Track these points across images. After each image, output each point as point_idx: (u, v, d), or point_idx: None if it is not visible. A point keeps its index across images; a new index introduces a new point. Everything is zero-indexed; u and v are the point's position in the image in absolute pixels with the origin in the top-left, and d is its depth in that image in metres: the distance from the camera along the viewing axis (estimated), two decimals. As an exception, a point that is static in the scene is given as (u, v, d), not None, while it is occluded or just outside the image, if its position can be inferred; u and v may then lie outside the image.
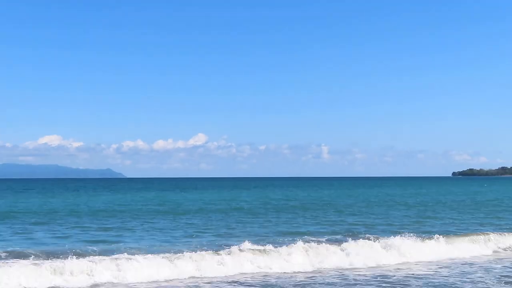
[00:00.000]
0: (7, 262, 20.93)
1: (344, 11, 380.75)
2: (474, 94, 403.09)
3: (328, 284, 19.00)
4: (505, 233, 31.03)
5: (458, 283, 19.00)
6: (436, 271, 21.53)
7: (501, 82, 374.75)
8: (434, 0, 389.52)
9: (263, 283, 19.08)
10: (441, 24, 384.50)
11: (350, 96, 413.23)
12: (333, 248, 24.68)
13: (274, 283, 19.07)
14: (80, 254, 22.96)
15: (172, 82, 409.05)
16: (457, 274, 20.90)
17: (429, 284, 18.86)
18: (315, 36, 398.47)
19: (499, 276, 20.32)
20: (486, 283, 18.85)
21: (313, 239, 28.72)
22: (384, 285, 18.72)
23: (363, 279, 19.77)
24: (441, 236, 27.65)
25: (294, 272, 21.14)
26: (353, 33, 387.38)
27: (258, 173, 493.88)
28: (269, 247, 24.22)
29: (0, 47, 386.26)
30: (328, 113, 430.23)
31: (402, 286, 18.59)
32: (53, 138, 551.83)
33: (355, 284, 18.87)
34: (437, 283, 18.93)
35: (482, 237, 28.89)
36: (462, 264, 23.34)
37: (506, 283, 18.59)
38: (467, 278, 20.01)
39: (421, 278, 19.98)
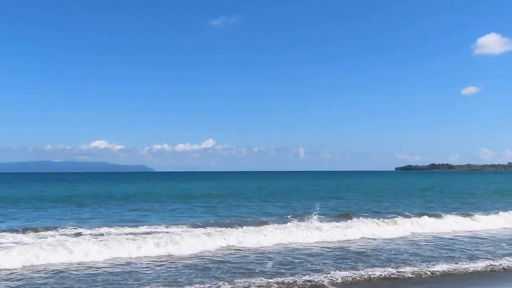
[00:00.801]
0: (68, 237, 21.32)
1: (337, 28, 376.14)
2: (408, 106, 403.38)
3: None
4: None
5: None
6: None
7: (429, 93, 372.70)
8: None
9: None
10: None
11: (320, 108, 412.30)
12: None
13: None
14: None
15: (188, 97, 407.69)
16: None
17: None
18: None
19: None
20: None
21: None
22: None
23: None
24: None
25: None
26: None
27: (252, 168, 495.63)
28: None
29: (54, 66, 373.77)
30: (303, 122, 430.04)
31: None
32: (101, 142, 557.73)
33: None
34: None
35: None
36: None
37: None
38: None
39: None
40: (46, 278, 14.02)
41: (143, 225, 25.34)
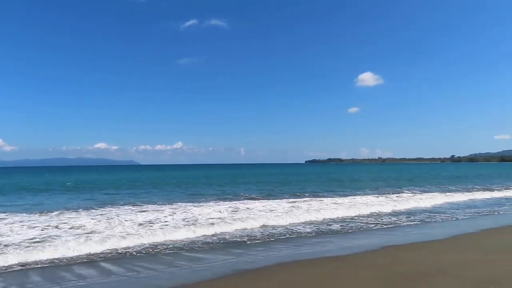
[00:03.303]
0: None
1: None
2: (315, 119, 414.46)
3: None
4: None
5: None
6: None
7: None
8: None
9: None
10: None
11: (255, 118, 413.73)
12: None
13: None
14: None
15: (165, 112, 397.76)
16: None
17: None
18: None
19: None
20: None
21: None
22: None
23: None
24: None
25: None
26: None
27: (209, 161, 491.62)
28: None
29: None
30: (244, 129, 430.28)
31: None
32: (102, 144, 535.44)
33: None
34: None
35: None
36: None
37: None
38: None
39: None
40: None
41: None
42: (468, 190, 36.50)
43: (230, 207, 22.96)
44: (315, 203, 25.23)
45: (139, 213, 20.56)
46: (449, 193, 33.35)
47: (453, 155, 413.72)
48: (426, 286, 8.07)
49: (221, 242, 13.91)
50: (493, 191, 35.68)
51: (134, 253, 12.25)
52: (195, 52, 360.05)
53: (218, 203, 25.27)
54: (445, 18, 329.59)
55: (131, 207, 23.45)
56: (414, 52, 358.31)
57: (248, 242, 13.87)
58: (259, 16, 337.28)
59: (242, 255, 11.83)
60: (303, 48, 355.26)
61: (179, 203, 25.33)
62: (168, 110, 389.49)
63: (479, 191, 35.84)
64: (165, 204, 24.65)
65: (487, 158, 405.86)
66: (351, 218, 19.59)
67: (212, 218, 18.51)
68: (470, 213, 21.86)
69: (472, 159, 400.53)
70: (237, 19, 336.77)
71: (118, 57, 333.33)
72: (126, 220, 17.82)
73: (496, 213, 21.55)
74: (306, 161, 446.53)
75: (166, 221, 17.56)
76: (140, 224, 16.81)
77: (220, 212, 20.72)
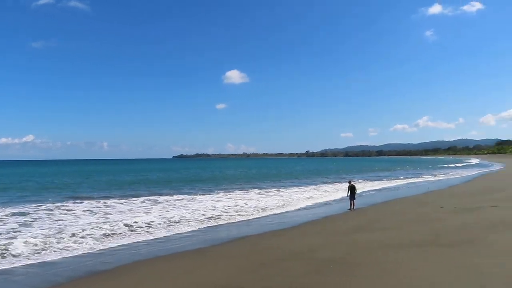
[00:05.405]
0: None
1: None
2: (184, 115, 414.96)
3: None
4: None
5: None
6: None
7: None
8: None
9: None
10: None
11: (120, 113, 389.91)
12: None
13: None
14: None
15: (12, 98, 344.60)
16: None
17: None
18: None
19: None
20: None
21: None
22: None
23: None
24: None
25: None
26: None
27: (66, 157, 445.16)
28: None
29: None
30: (107, 123, 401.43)
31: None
32: None
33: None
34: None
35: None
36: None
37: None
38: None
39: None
40: None
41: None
42: (320, 184, 40.98)
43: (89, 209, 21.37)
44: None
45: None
46: (312, 186, 37.26)
47: (308, 151, 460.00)
48: (280, 271, 8.78)
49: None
50: (341, 183, 40.63)
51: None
52: (51, 34, 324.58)
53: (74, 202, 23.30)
54: (310, 26, 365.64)
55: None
56: (278, 55, 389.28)
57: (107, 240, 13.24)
58: (125, 1, 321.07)
59: (100, 256, 11.21)
60: (171, 40, 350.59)
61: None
62: (17, 95, 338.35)
63: (327, 184, 40.76)
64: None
65: (335, 153, 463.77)
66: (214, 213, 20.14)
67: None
68: (312, 203, 24.51)
69: (323, 154, 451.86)
70: (100, 2, 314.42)
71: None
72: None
73: (331, 203, 24.45)
74: (173, 157, 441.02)
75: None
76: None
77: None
